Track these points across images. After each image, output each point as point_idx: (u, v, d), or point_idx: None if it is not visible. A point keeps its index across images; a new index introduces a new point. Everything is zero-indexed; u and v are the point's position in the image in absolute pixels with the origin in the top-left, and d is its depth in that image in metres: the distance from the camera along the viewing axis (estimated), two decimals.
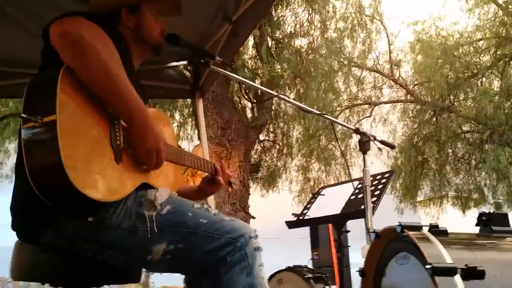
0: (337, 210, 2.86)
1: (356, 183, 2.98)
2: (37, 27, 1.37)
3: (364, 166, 2.39)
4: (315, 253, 5.13)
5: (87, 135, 1.24)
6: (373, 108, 11.60)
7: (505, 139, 9.74)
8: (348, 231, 2.98)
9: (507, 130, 9.71)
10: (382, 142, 2.50)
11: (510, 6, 10.13)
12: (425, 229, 1.58)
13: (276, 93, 2.31)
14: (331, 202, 3.03)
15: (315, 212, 3.12)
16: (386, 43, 11.37)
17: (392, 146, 2.69)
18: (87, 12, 1.43)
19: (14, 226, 1.38)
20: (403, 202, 11.66)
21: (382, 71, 11.49)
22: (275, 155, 10.09)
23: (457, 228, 1.69)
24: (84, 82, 1.25)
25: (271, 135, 9.95)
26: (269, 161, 10.10)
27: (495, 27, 10.31)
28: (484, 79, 10.62)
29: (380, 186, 2.79)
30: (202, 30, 3.03)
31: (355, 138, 2.35)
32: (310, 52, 9.16)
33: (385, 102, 11.73)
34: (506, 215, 1.80)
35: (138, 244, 1.33)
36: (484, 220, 1.75)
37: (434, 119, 10.98)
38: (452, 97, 10.75)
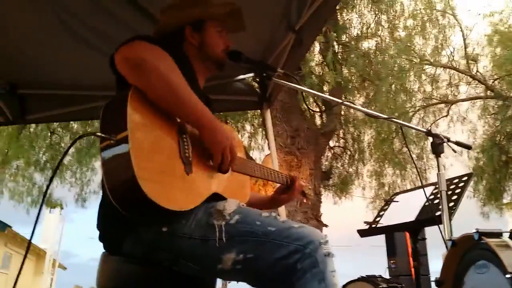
0: (412, 217, 2.75)
1: (431, 188, 2.86)
2: (111, 49, 1.48)
3: (438, 170, 2.27)
4: (392, 261, 4.95)
5: (158, 148, 1.31)
6: (450, 107, 10.99)
7: None
8: (425, 239, 2.86)
9: None
10: (457, 143, 2.37)
11: None
12: (506, 236, 1.49)
13: (340, 100, 2.28)
14: (405, 209, 2.93)
15: (388, 219, 3.02)
16: (461, 37, 10.76)
17: (468, 147, 2.53)
18: (149, 36, 1.52)
19: (99, 237, 1.49)
20: (487, 205, 10.91)
21: (457, 67, 10.87)
22: (346, 161, 9.88)
23: None
24: (152, 101, 1.33)
25: (341, 141, 9.78)
26: (341, 168, 9.91)
27: None
28: None
29: (457, 191, 2.65)
30: (267, 41, 3.09)
31: (431, 140, 2.24)
32: (378, 53, 8.93)
33: (463, 100, 11.04)
34: None
35: (209, 253, 1.37)
36: None
37: None
38: None
